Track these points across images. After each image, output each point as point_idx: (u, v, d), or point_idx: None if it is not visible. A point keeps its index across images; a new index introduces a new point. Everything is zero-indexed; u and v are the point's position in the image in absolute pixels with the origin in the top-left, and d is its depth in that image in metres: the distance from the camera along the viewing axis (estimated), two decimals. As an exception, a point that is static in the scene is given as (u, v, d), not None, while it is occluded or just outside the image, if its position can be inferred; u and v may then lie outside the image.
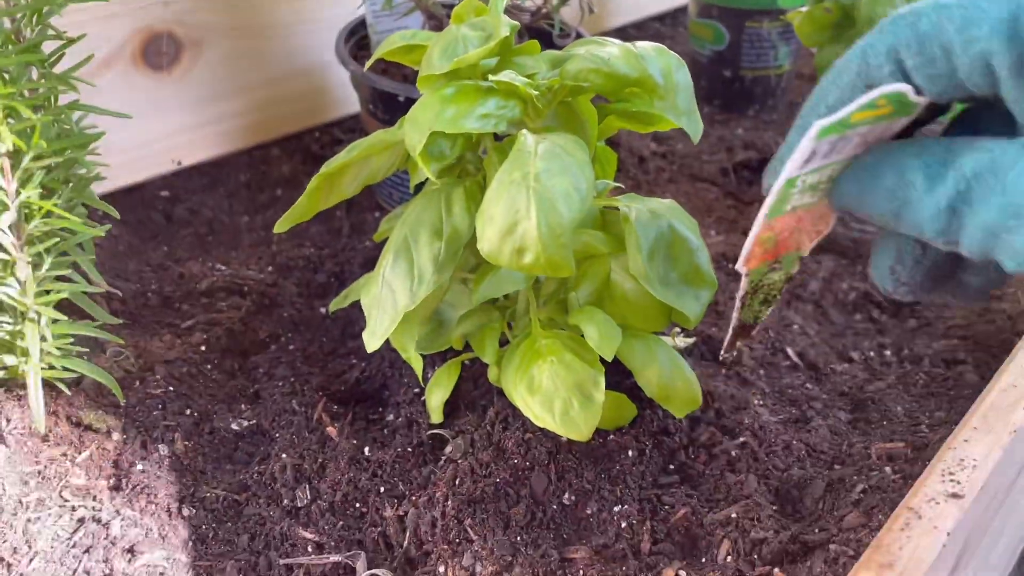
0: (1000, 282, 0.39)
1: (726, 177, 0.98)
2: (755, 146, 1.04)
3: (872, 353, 0.66)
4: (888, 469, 0.51)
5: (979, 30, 0.32)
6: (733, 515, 0.49)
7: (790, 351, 0.65)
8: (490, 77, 0.45)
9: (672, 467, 0.53)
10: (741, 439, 0.54)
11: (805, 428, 0.56)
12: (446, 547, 0.48)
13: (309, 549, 0.51)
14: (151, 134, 0.80)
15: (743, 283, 0.41)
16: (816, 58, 0.77)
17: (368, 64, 0.56)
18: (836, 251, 0.81)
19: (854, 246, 0.80)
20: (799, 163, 0.35)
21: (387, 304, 0.48)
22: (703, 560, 0.47)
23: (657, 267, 0.48)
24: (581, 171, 0.42)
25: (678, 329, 0.64)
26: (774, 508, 0.50)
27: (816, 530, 0.48)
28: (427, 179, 0.58)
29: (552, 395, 0.47)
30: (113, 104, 0.59)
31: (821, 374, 0.63)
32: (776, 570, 0.45)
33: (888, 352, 0.66)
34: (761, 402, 0.58)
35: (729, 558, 0.47)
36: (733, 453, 0.53)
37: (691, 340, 0.63)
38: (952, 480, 0.46)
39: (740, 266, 0.39)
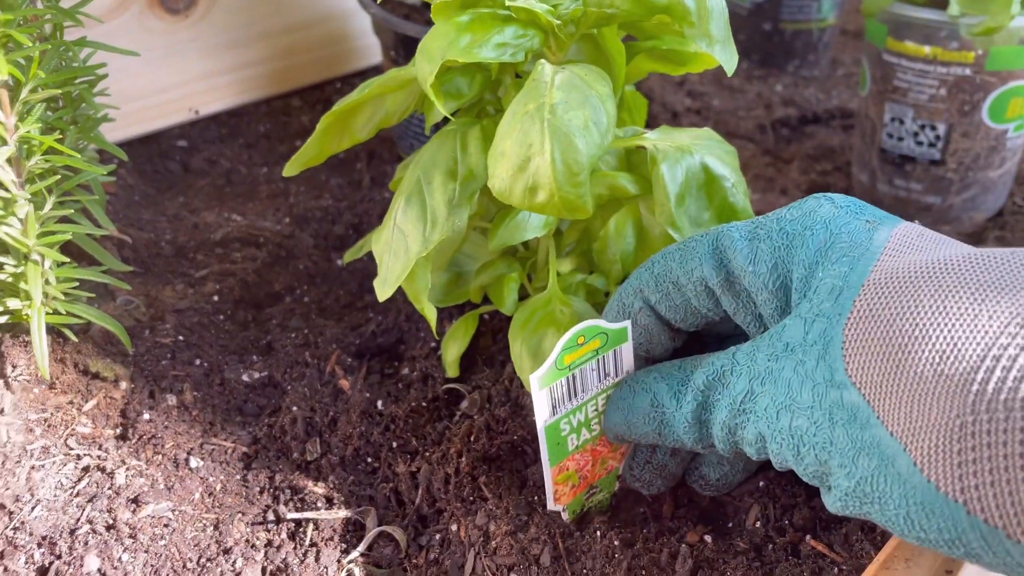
0: (735, 478, 0.44)
1: (763, 134, 0.94)
2: (794, 102, 0.99)
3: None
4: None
5: (693, 262, 0.39)
6: (761, 483, 0.46)
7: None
8: (507, 3, 0.41)
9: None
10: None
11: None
12: (459, 505, 0.46)
13: (319, 504, 0.49)
14: (167, 81, 0.78)
15: (564, 515, 0.44)
16: (864, 4, 0.72)
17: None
18: (878, 210, 0.77)
19: (898, 205, 0.76)
20: (546, 413, 0.39)
21: (399, 250, 0.45)
22: (729, 525, 0.45)
23: (688, 209, 0.45)
24: (602, 104, 0.39)
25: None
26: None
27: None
28: (444, 121, 0.55)
29: None
30: (127, 48, 0.56)
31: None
32: (808, 537, 0.42)
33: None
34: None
35: (758, 524, 0.44)
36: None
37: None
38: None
39: (551, 506, 0.43)
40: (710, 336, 0.45)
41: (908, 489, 0.29)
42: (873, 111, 0.75)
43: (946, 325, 0.30)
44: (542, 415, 0.39)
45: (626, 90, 0.57)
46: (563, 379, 0.39)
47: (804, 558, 0.41)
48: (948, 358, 0.29)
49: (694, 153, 0.47)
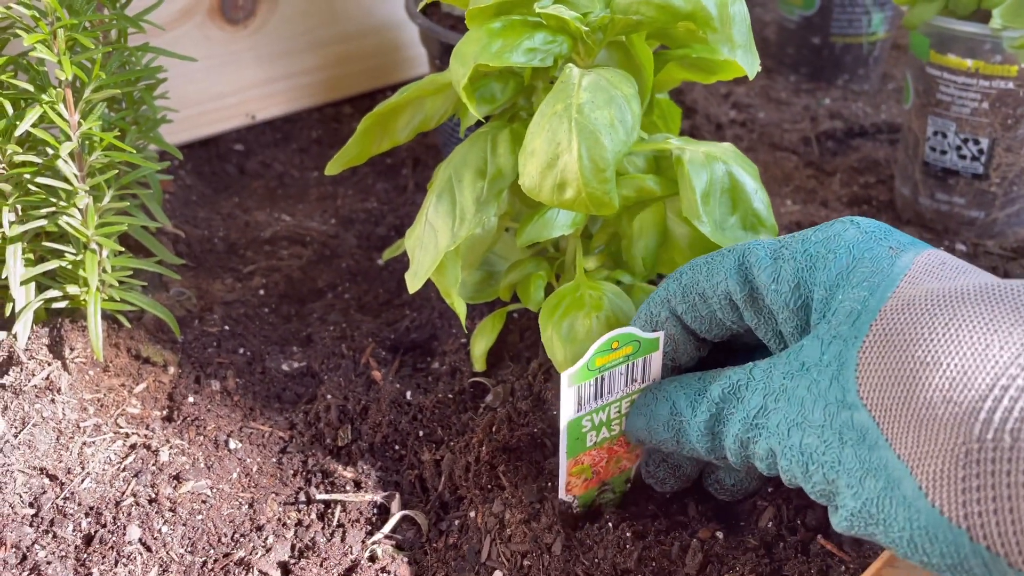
0: (751, 485, 0.45)
1: (808, 146, 0.94)
2: (841, 116, 0.99)
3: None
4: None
5: (719, 276, 0.40)
6: (778, 486, 0.46)
7: (858, 320, 0.62)
8: (537, 10, 0.43)
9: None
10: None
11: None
12: (478, 492, 0.48)
13: (348, 487, 0.51)
14: (225, 87, 0.82)
15: (574, 505, 0.46)
16: (906, 17, 0.72)
17: (421, 4, 0.55)
18: (920, 224, 0.77)
19: (940, 219, 0.76)
20: (571, 409, 0.41)
21: (429, 244, 0.47)
22: (742, 524, 0.45)
23: (713, 211, 0.46)
24: (627, 104, 0.40)
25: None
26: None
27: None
28: (477, 124, 0.58)
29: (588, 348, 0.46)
30: (189, 56, 0.60)
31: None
32: (820, 536, 0.43)
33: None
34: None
35: (770, 523, 0.44)
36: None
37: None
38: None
39: (562, 495, 0.44)
40: (738, 346, 0.46)
41: (912, 512, 0.30)
42: (916, 124, 0.75)
43: (957, 353, 0.30)
44: (567, 411, 0.41)
45: (660, 98, 0.58)
46: (592, 379, 0.41)
47: (813, 556, 0.42)
48: (957, 386, 0.29)
49: (720, 161, 0.48)
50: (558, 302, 0.47)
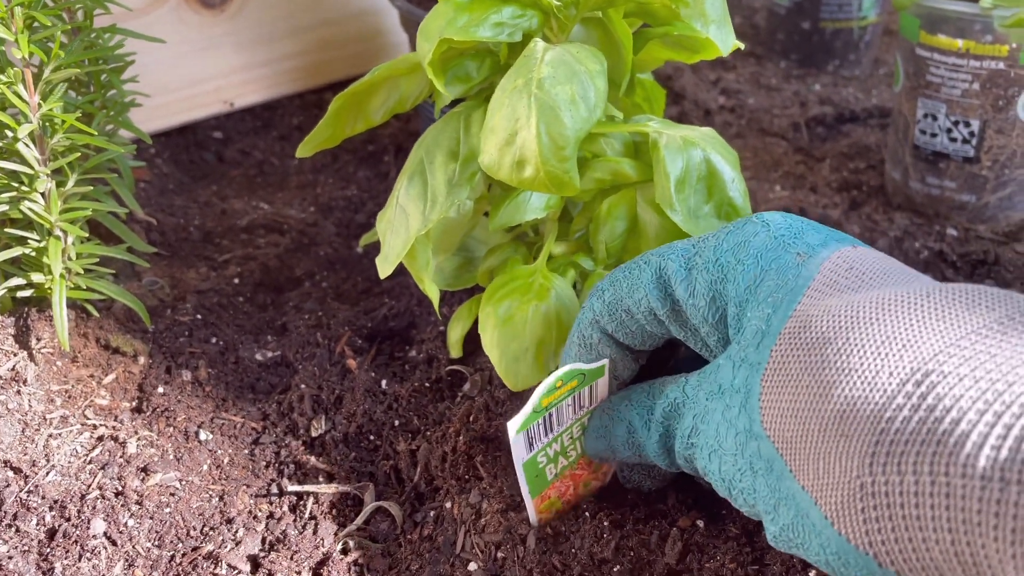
0: None
1: (797, 132, 0.92)
2: (831, 101, 0.98)
3: (938, 311, 0.61)
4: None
5: (640, 292, 0.38)
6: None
7: (846, 305, 0.60)
8: (506, -18, 0.42)
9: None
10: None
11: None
12: (455, 483, 0.46)
13: (320, 479, 0.50)
14: (203, 73, 0.80)
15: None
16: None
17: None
18: (911, 208, 0.76)
19: (931, 203, 0.74)
20: (523, 452, 0.40)
21: (400, 228, 0.46)
22: (723, 512, 0.44)
23: (687, 199, 0.45)
24: (591, 80, 0.39)
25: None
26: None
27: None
28: (453, 103, 0.56)
29: (518, 335, 0.44)
30: (166, 42, 0.58)
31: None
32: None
33: (956, 310, 0.61)
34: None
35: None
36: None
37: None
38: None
39: (534, 522, 0.43)
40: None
41: (824, 540, 0.30)
42: (906, 107, 0.74)
43: (848, 383, 0.29)
44: (519, 455, 0.40)
45: (643, 79, 0.57)
46: (542, 419, 0.40)
47: (796, 545, 0.40)
48: (848, 418, 0.29)
49: (698, 147, 0.47)
50: (508, 280, 0.46)
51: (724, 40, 0.41)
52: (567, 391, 0.40)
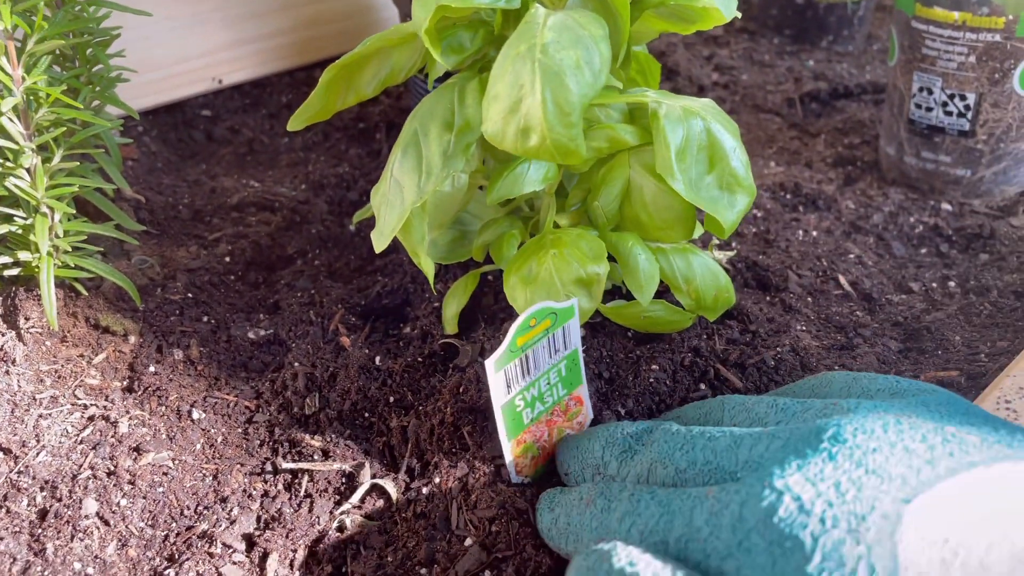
0: None
1: (791, 108, 0.92)
2: (825, 77, 0.97)
3: (935, 284, 0.61)
4: (940, 400, 0.46)
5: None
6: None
7: (843, 280, 0.60)
8: (502, -52, 0.41)
9: (703, 385, 0.49)
10: (777, 358, 0.50)
11: (850, 354, 0.51)
12: (442, 456, 0.46)
13: (315, 457, 0.49)
14: (191, 50, 0.79)
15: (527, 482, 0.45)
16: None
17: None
18: (906, 184, 0.75)
19: (926, 178, 0.74)
20: (502, 393, 0.40)
21: (395, 201, 0.45)
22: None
23: (688, 169, 0.44)
24: (595, 45, 0.38)
25: (716, 241, 0.60)
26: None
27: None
28: (446, 75, 0.55)
29: (549, 287, 0.44)
30: (152, 15, 0.57)
31: (875, 304, 0.58)
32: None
33: (952, 283, 0.61)
34: (804, 327, 0.54)
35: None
36: (769, 365, 0.49)
37: (731, 252, 0.59)
38: (1008, 408, 0.41)
39: (514, 479, 0.43)
40: None
41: None
42: (901, 81, 0.73)
43: None
44: (498, 396, 0.40)
45: (638, 51, 0.56)
46: (516, 360, 0.40)
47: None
48: None
49: (698, 116, 0.46)
50: (522, 252, 0.46)
51: (726, 5, 0.40)
52: (541, 331, 0.41)
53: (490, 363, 0.39)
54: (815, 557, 0.28)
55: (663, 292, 0.53)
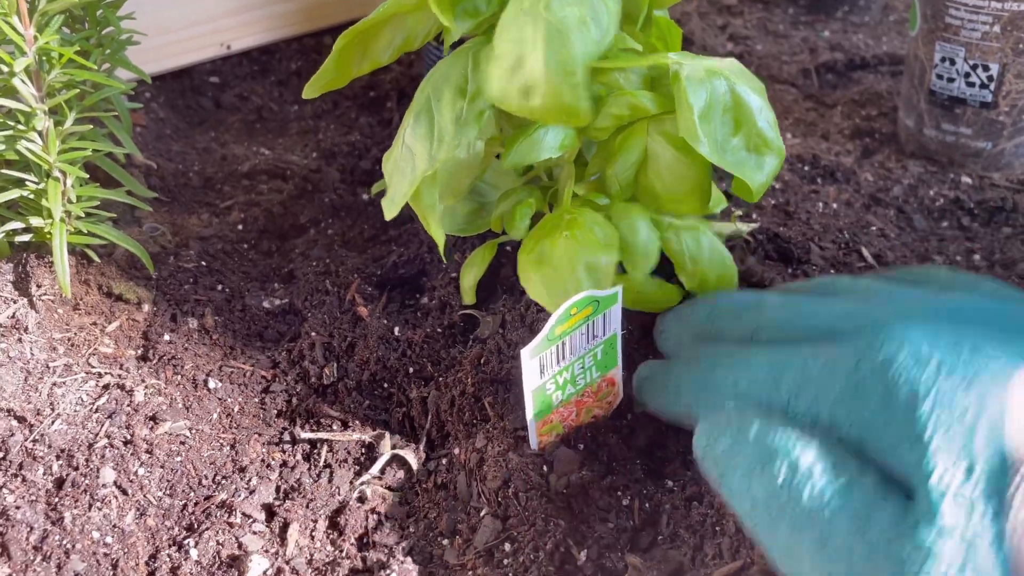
0: None
1: (807, 79, 0.90)
2: (841, 47, 0.96)
3: (959, 257, 0.60)
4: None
5: None
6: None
7: (866, 252, 0.59)
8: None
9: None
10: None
11: (874, 328, 0.50)
12: (462, 427, 0.45)
13: (334, 427, 0.49)
14: (198, 15, 0.78)
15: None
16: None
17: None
18: (925, 156, 0.74)
19: (945, 150, 0.73)
20: (535, 379, 0.40)
21: (406, 168, 0.44)
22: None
23: (713, 132, 0.43)
24: (603, 1, 0.37)
25: (738, 212, 0.59)
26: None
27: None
28: (461, 41, 0.54)
29: (562, 271, 0.43)
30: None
31: (897, 277, 0.57)
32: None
33: (977, 256, 0.60)
34: (826, 300, 0.53)
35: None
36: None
37: (754, 224, 0.58)
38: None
39: (534, 447, 0.43)
40: None
41: None
42: (923, 51, 0.72)
43: None
44: (531, 381, 0.40)
45: (658, 15, 0.55)
46: (553, 347, 0.40)
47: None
48: None
49: (722, 77, 0.45)
50: (534, 232, 0.45)
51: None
52: (582, 319, 0.40)
53: (526, 352, 0.38)
54: (927, 402, 0.30)
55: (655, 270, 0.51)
